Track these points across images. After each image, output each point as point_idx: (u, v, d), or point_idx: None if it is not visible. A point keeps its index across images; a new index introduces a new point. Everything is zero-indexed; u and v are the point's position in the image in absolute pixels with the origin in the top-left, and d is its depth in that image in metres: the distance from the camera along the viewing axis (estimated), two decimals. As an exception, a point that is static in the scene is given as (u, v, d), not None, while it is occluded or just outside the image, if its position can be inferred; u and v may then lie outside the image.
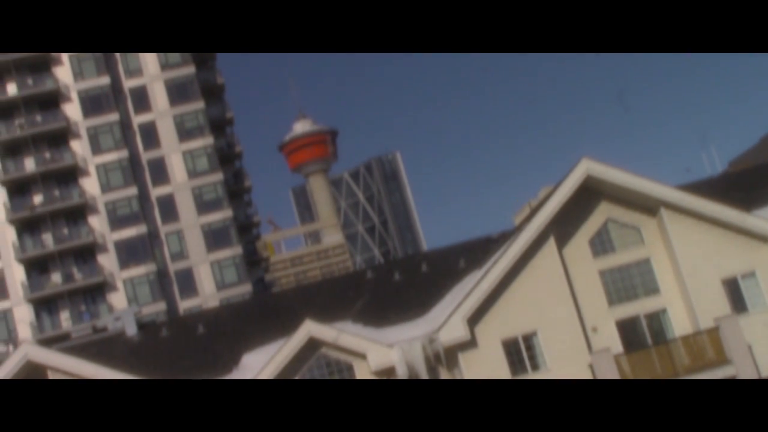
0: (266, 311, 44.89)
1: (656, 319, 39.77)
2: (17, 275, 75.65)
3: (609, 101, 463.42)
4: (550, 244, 39.34)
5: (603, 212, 40.40)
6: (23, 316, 74.95)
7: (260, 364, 38.17)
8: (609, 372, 36.96)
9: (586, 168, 39.46)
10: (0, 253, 75.97)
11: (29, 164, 77.45)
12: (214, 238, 78.81)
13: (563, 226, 39.80)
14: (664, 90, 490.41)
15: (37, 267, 75.96)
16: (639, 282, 40.02)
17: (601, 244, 40.28)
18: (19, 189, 77.33)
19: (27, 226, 76.56)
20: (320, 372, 38.34)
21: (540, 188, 44.86)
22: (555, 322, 38.56)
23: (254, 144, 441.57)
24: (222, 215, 79.41)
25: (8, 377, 36.96)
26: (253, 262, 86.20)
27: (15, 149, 77.79)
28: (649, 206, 40.20)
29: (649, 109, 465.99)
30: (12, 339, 73.07)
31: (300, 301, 44.49)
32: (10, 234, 76.24)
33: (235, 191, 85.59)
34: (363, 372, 38.16)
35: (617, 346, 38.66)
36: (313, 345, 38.31)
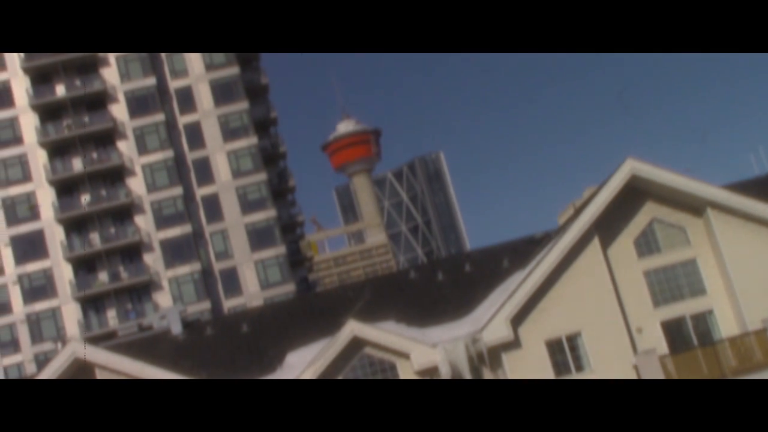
0: (310, 311, 45.03)
1: (702, 320, 39.36)
2: (65, 274, 76.69)
3: (655, 103, 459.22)
4: (595, 244, 39.09)
5: (648, 212, 40.07)
6: (71, 314, 75.97)
7: (304, 363, 38.33)
8: (654, 373, 36.64)
9: (631, 168, 39.17)
10: (49, 252, 77.04)
11: (77, 164, 78.44)
12: (258, 238, 79.22)
13: (608, 226, 39.53)
14: (712, 93, 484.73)
15: (84, 266, 76.92)
16: (685, 282, 39.64)
17: (646, 245, 39.96)
18: (67, 189, 78.34)
19: (75, 226, 77.54)
20: (363, 372, 38.41)
21: (584, 188, 44.60)
22: (599, 322, 38.31)
23: (298, 144, 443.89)
24: (266, 215, 79.80)
25: (57, 374, 37.48)
26: (297, 261, 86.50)
27: (63, 149, 78.83)
28: (695, 206, 39.80)
29: (697, 111, 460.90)
30: (60, 337, 74.05)
31: (343, 300, 44.58)
32: (59, 233, 77.30)
33: (279, 191, 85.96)
34: (406, 372, 38.17)
35: (662, 348, 38.32)
36: (356, 345, 38.39)
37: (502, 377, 38.07)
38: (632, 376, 37.29)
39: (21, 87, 79.58)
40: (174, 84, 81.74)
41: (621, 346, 38.07)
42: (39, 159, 78.51)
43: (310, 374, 37.46)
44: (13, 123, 79.13)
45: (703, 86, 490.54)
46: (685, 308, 39.31)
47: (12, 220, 77.28)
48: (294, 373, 38.08)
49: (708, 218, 39.32)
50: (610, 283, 38.85)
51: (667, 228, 40.06)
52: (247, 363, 40.80)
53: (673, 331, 39.03)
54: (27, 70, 79.37)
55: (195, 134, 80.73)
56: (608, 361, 37.76)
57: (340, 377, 38.00)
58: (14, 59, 79.76)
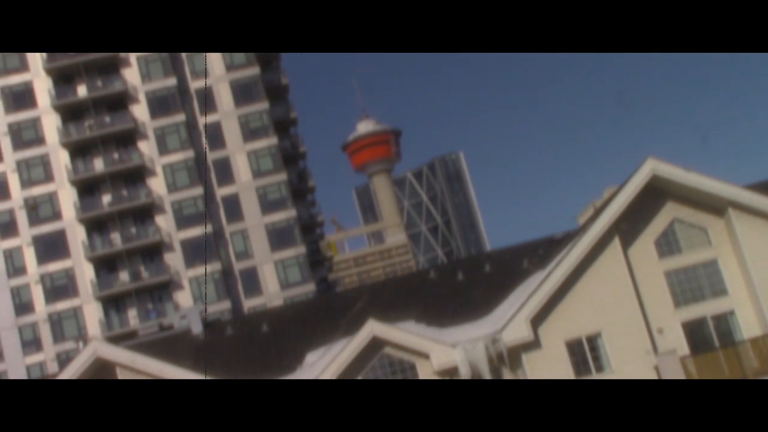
0: (330, 311, 45.11)
1: (724, 321, 39.15)
2: (87, 274, 77.13)
3: (676, 101, 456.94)
4: (615, 245, 38.96)
5: (669, 212, 39.89)
6: (92, 313, 76.40)
7: (323, 363, 38.39)
8: (675, 374, 36.48)
9: (651, 167, 39.01)
10: (70, 252, 77.52)
11: (98, 164, 78.89)
12: (278, 238, 79.41)
13: (628, 227, 39.39)
14: (734, 90, 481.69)
15: (105, 265, 77.35)
16: (706, 283, 39.45)
17: (667, 245, 39.79)
18: (88, 189, 78.79)
19: (96, 226, 77.98)
20: (383, 371, 38.44)
21: (605, 188, 44.46)
22: (620, 323, 38.18)
23: (318, 144, 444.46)
24: (286, 215, 79.97)
25: (78, 373, 37.71)
26: (317, 261, 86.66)
27: (84, 150, 79.29)
28: (716, 206, 39.59)
29: (717, 110, 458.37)
30: (82, 336, 74.47)
31: (363, 300, 44.63)
32: (80, 233, 77.76)
33: (299, 191, 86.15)
34: (426, 372, 38.17)
35: (683, 348, 38.15)
36: (376, 345, 38.42)
37: (522, 377, 38.00)
38: (653, 377, 37.14)
39: (43, 88, 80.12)
40: (194, 84, 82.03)
41: (642, 346, 37.92)
42: (61, 159, 79.02)
43: (329, 374, 37.52)
44: (35, 123, 79.67)
45: (727, 85, 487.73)
46: (706, 309, 39.12)
47: (34, 220, 77.80)
48: (313, 373, 38.15)
49: (729, 218, 39.11)
50: (631, 283, 38.71)
51: (688, 228, 39.87)
52: (267, 363, 40.91)
53: (694, 331, 38.86)
54: (49, 71, 79.89)
55: (215, 134, 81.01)
56: (629, 361, 37.63)
57: (359, 377, 38.04)
58: (37, 60, 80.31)
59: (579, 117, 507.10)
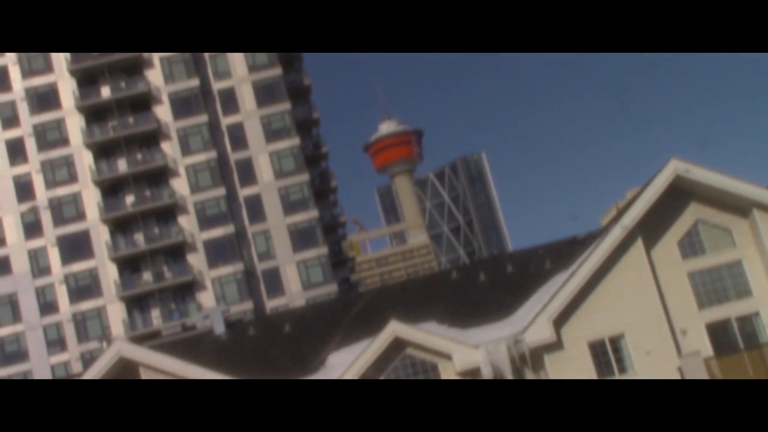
0: (352, 311, 45.14)
1: (748, 322, 38.88)
2: (110, 274, 77.58)
3: (700, 102, 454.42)
4: (638, 246, 38.79)
5: (692, 213, 39.67)
6: (116, 313, 76.84)
7: (346, 363, 38.43)
8: (699, 375, 36.28)
9: (674, 168, 38.82)
10: (94, 253, 77.98)
11: (122, 165, 79.33)
12: (300, 239, 79.56)
13: (651, 228, 39.20)
14: (756, 92, 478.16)
15: (129, 266, 77.76)
16: (730, 284, 39.19)
17: (690, 246, 39.57)
18: (112, 189, 79.24)
19: (119, 226, 78.42)
20: (405, 372, 38.43)
21: (627, 189, 44.28)
22: (643, 324, 38.00)
23: (340, 144, 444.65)
24: (308, 215, 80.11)
25: (102, 372, 37.93)
26: (339, 262, 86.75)
27: (108, 150, 79.76)
28: (740, 207, 39.34)
29: (739, 112, 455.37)
30: (106, 336, 74.90)
31: (385, 301, 44.63)
32: (104, 233, 78.22)
33: (321, 191, 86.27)
34: (448, 372, 38.14)
35: (707, 350, 37.93)
36: (398, 345, 38.42)
37: (544, 379, 37.88)
38: (677, 378, 36.92)
39: (68, 89, 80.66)
40: (217, 85, 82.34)
41: (665, 348, 37.73)
42: (85, 160, 79.52)
43: (351, 375, 37.55)
44: (60, 124, 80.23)
45: (758, 84, 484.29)
46: (730, 310, 38.88)
47: (59, 220, 78.35)
48: (336, 374, 38.19)
49: (754, 219, 38.85)
50: (654, 284, 38.52)
51: (712, 229, 39.64)
52: (289, 363, 40.99)
53: (718, 333, 38.61)
54: (74, 73, 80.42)
55: (238, 135, 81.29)
56: (652, 363, 37.44)
57: (381, 378, 38.05)
58: (61, 62, 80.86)
59: (602, 117, 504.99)
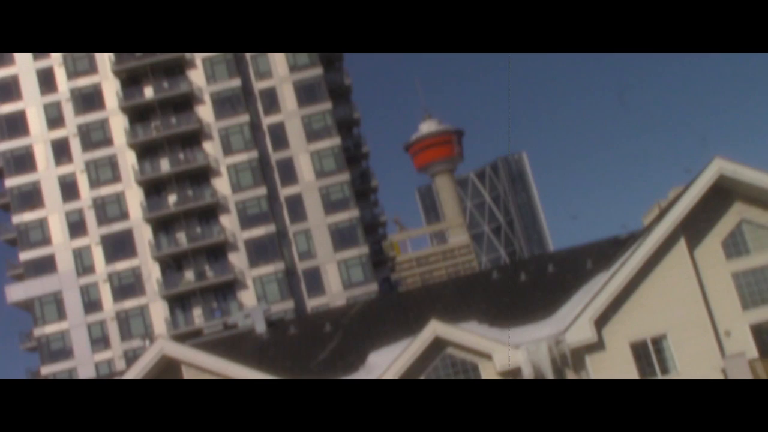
0: (392, 311, 45.17)
1: (794, 324, 38.36)
2: (153, 273, 78.30)
3: (740, 101, 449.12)
4: (681, 246, 38.42)
5: (737, 213, 39.22)
6: (158, 312, 77.55)
7: (386, 363, 38.45)
8: (743, 377, 35.86)
9: (718, 168, 38.40)
10: (137, 252, 78.76)
11: (164, 165, 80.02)
12: (341, 238, 79.75)
13: (694, 227, 38.81)
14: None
15: (171, 265, 78.43)
16: (775, 285, 38.69)
17: (734, 246, 39.12)
18: (154, 189, 79.99)
19: (162, 225, 79.12)
20: (445, 372, 38.38)
21: (670, 188, 43.91)
22: (686, 325, 37.64)
23: (380, 144, 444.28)
24: (349, 215, 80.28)
25: (145, 370, 38.29)
26: (379, 261, 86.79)
27: (151, 150, 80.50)
28: (786, 207, 38.84)
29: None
30: (148, 334, 75.63)
31: (426, 301, 44.61)
32: (147, 232, 78.97)
33: (362, 191, 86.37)
34: (488, 372, 38.04)
35: (751, 352, 37.47)
36: (438, 345, 38.38)
37: (585, 379, 37.65)
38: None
39: (111, 90, 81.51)
40: (258, 85, 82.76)
41: (708, 349, 37.35)
42: (128, 160, 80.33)
43: (391, 374, 37.57)
44: (103, 125, 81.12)
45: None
46: (775, 311, 38.38)
47: (102, 219, 79.21)
48: (376, 373, 38.24)
49: (800, 219, 38.34)
50: (697, 285, 38.14)
51: (757, 229, 39.16)
52: (330, 362, 41.10)
53: (763, 334, 38.14)
54: (117, 73, 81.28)
55: (279, 135, 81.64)
56: (695, 364, 37.08)
57: (422, 377, 38.04)
58: (105, 63, 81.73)
59: (644, 116, 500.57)
